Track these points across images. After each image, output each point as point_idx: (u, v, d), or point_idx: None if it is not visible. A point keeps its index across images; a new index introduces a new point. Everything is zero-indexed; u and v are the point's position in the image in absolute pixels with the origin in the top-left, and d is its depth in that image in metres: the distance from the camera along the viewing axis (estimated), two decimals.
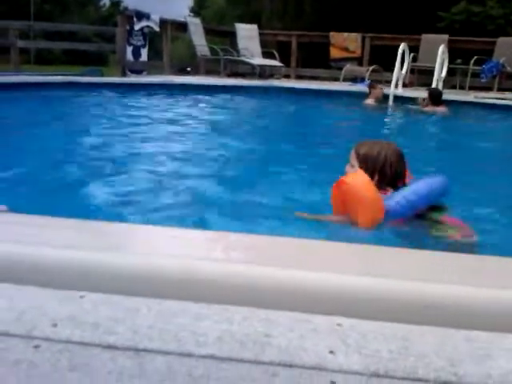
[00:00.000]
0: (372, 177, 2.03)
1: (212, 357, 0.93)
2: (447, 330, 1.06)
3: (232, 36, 11.67)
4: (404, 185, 2.07)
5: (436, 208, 2.04)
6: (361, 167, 2.06)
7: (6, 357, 0.91)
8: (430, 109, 7.17)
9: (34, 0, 16.56)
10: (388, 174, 2.06)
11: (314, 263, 1.22)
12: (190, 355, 0.93)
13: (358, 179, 1.96)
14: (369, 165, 2.06)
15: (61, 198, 2.53)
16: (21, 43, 9.62)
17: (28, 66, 12.51)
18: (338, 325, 1.05)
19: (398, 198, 1.96)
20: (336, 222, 2.06)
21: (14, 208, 1.57)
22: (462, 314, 1.09)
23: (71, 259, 1.20)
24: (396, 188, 2.05)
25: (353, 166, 2.11)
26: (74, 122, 5.62)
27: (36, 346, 0.94)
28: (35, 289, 1.14)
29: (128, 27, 9.91)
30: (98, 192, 2.73)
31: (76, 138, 4.35)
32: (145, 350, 0.94)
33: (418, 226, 2.00)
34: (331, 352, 0.96)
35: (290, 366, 0.92)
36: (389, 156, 2.06)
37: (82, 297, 1.12)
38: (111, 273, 1.17)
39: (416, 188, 2.00)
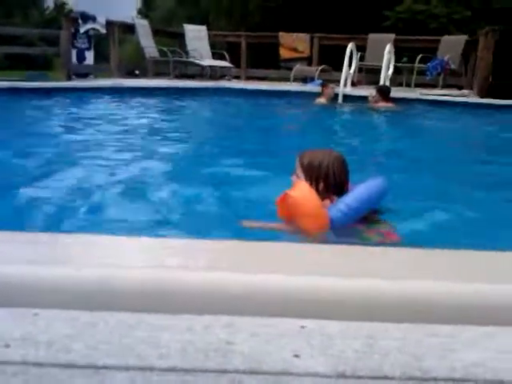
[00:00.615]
0: (317, 185, 2.09)
1: (174, 369, 0.90)
2: (410, 325, 1.07)
3: (181, 37, 11.56)
4: (347, 192, 2.12)
5: (373, 216, 2.11)
6: (305, 176, 2.11)
7: None
8: (379, 104, 7.33)
9: None
10: (332, 182, 2.10)
11: (274, 265, 1.21)
12: (151, 369, 0.90)
13: (299, 191, 2.00)
14: (313, 174, 2.10)
15: (9, 210, 2.43)
16: None
17: None
18: (302, 327, 1.05)
19: (340, 206, 2.01)
20: (283, 230, 2.08)
21: None
22: (423, 308, 1.10)
23: (23, 275, 1.14)
24: (341, 195, 2.09)
25: (298, 176, 2.15)
26: (19, 128, 5.42)
27: None
28: None
29: (73, 30, 9.68)
30: (47, 202, 2.65)
31: (22, 145, 4.19)
32: (105, 367, 0.91)
33: (353, 234, 2.04)
34: (296, 356, 0.95)
35: (256, 372, 0.90)
36: (331, 164, 2.10)
37: (35, 314, 1.07)
38: (64, 287, 1.12)
39: (357, 194, 2.05)
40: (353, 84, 9.22)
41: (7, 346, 0.96)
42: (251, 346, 0.98)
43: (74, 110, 7.16)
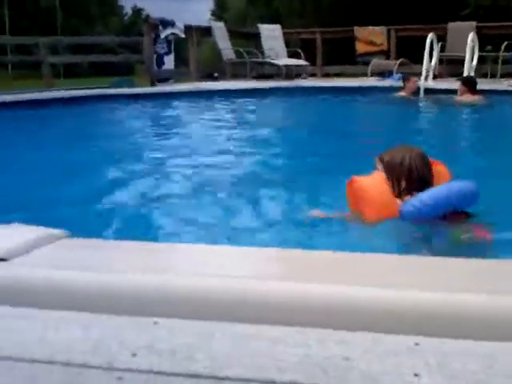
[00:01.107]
0: (399, 184, 2.07)
1: (295, 383, 0.92)
2: None
3: (255, 37, 11.65)
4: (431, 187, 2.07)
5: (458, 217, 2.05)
6: (387, 176, 2.09)
7: None
8: (466, 98, 6.97)
9: (61, 14, 16.87)
10: (415, 180, 2.07)
11: (387, 280, 1.20)
12: (273, 382, 0.93)
13: (368, 178, 2.05)
14: (394, 173, 2.08)
15: (109, 217, 2.55)
16: (51, 59, 9.79)
17: (58, 80, 12.72)
18: (416, 344, 1.03)
19: (413, 201, 1.99)
20: (348, 219, 2.12)
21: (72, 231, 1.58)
22: None
23: (144, 284, 1.20)
24: (423, 191, 2.04)
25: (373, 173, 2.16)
26: (108, 134, 5.68)
27: (119, 378, 0.95)
28: (107, 316, 1.15)
29: (153, 35, 10.00)
30: (138, 209, 2.75)
31: (112, 151, 4.39)
32: (227, 379, 0.94)
33: (435, 229, 2.02)
34: (416, 375, 0.94)
35: None
36: (413, 161, 2.08)
37: (155, 323, 1.13)
38: (183, 297, 1.17)
39: (434, 192, 2.01)
40: (434, 77, 8.92)
41: (134, 354, 1.01)
42: (368, 361, 0.98)
43: (159, 114, 7.43)
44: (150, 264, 1.33)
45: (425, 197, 1.98)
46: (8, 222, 1.53)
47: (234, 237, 2.12)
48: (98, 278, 1.20)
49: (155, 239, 2.10)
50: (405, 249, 1.96)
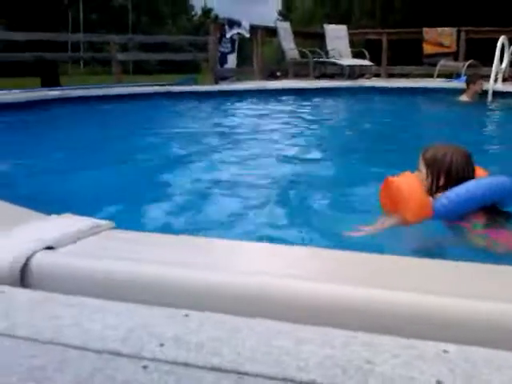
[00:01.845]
0: (438, 180, 2.06)
1: (314, 383, 0.92)
2: None
3: (320, 37, 11.61)
4: None
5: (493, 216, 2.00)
6: (427, 171, 2.08)
7: (115, 376, 0.95)
8: None
9: (132, 12, 17.50)
10: (454, 178, 2.04)
11: (419, 285, 1.18)
12: (292, 380, 0.93)
13: (402, 177, 2.03)
14: (435, 167, 2.07)
15: (161, 211, 2.62)
16: (121, 56, 10.14)
17: (128, 76, 13.18)
18: (445, 351, 1.01)
19: (441, 198, 1.97)
20: (387, 227, 2.05)
21: (117, 224, 1.64)
22: None
23: (177, 277, 1.24)
24: None
25: (420, 171, 2.12)
26: (168, 130, 5.84)
27: (144, 367, 0.98)
28: (141, 307, 1.19)
29: (219, 35, 10.16)
30: (200, 206, 2.81)
31: (170, 147, 4.51)
32: (247, 374, 0.96)
33: (456, 232, 2.00)
34: (438, 382, 0.92)
35: None
36: (455, 159, 2.06)
37: (186, 315, 1.16)
38: (215, 291, 1.20)
39: (463, 188, 1.97)
40: (505, 80, 8.56)
41: (161, 345, 1.05)
42: (392, 366, 0.96)
43: (220, 112, 7.55)
44: (188, 258, 1.37)
45: (451, 193, 1.96)
46: (61, 212, 1.61)
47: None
48: (135, 269, 1.25)
49: (202, 234, 2.15)
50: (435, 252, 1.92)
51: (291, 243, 1.98)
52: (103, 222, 1.52)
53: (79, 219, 1.54)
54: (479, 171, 2.13)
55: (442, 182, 2.06)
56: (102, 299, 1.24)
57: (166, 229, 2.21)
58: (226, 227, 2.35)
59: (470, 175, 2.07)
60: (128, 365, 1.00)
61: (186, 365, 0.99)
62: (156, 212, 2.65)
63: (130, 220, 2.36)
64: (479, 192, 1.97)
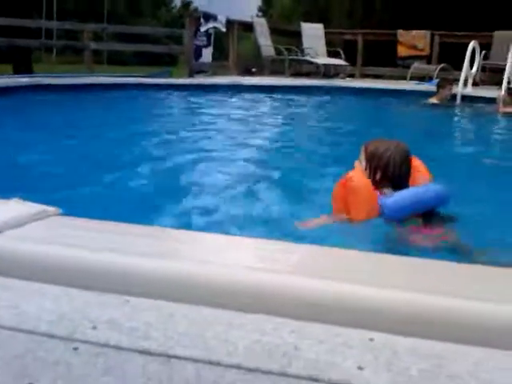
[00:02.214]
0: (375, 174, 2.14)
1: (239, 366, 0.95)
2: (487, 349, 1.03)
3: (297, 35, 11.65)
4: (407, 187, 2.13)
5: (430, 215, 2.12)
6: (366, 163, 2.16)
7: (46, 357, 0.96)
8: (507, 109, 6.74)
9: (108, 1, 17.29)
10: (390, 174, 2.12)
11: (351, 275, 1.21)
12: (218, 364, 0.96)
13: (355, 175, 2.10)
14: (373, 162, 2.14)
15: (124, 200, 2.62)
16: (94, 45, 10.02)
17: (101, 66, 13.06)
18: (370, 339, 1.04)
19: (388, 200, 2.05)
20: (334, 222, 2.14)
21: (72, 212, 1.64)
22: (502, 333, 1.05)
23: (119, 263, 1.25)
24: (398, 188, 2.11)
25: (360, 162, 2.21)
26: (141, 120, 5.81)
27: (75, 348, 1.00)
28: (80, 291, 1.20)
29: (195, 28, 10.12)
30: (160, 196, 2.81)
31: (140, 140, 4.49)
32: (176, 357, 0.98)
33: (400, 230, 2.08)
34: (360, 368, 0.95)
35: (316, 380, 0.92)
36: (393, 156, 2.13)
37: (126, 301, 1.17)
38: (155, 278, 1.21)
39: (408, 193, 2.08)
40: (475, 84, 8.73)
41: (94, 327, 1.06)
42: (317, 352, 0.99)
43: (193, 105, 7.52)
44: (130, 245, 1.38)
45: (399, 196, 2.06)
46: (8, 197, 1.61)
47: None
48: (76, 254, 1.25)
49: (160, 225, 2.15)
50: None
51: (242, 233, 2.01)
52: (50, 208, 1.52)
53: (27, 204, 1.54)
54: (420, 166, 2.22)
55: (378, 176, 2.14)
56: (43, 283, 1.24)
57: (126, 219, 2.20)
58: (182, 217, 2.36)
59: (405, 174, 2.16)
60: (59, 346, 1.01)
61: (117, 347, 1.01)
62: (114, 201, 2.64)
63: (86, 207, 2.34)
64: (426, 199, 2.08)
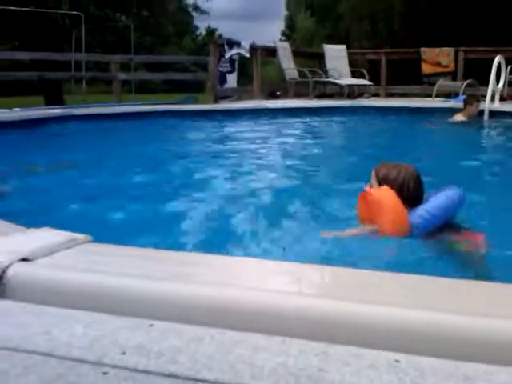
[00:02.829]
0: None
1: None
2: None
3: (320, 57, 11.74)
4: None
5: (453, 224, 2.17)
6: (379, 187, 2.20)
7: (77, 382, 0.99)
8: None
9: (135, 33, 17.82)
10: (405, 196, 2.15)
11: (377, 297, 1.21)
12: None
13: (381, 190, 2.14)
14: (388, 185, 2.17)
15: (150, 226, 2.67)
16: (122, 75, 10.27)
17: (130, 95, 13.36)
18: (396, 361, 1.04)
19: (420, 212, 2.08)
20: (362, 235, 2.15)
21: (99, 238, 1.69)
22: None
23: (143, 288, 1.28)
24: (415, 208, 2.14)
25: (372, 187, 2.25)
26: (169, 146, 5.90)
27: (105, 373, 1.02)
28: (108, 316, 1.23)
29: (219, 55, 10.29)
30: (190, 220, 2.84)
31: (167, 166, 4.56)
32: (203, 381, 0.99)
33: (438, 241, 2.10)
34: None
35: None
36: (406, 179, 2.18)
37: (151, 325, 1.20)
38: (179, 302, 1.23)
39: (437, 202, 2.12)
40: (503, 99, 8.63)
41: (123, 353, 1.08)
42: (342, 374, 1.00)
43: (218, 130, 7.62)
44: (156, 270, 1.41)
45: (430, 207, 2.10)
46: (39, 225, 1.66)
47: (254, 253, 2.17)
48: (104, 281, 1.29)
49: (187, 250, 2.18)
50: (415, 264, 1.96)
51: (270, 253, 2.03)
52: (80, 236, 1.57)
53: (57, 233, 1.59)
54: None
55: None
56: (73, 309, 1.28)
57: (159, 245, 2.24)
58: (210, 241, 2.39)
59: (419, 193, 2.20)
60: (89, 371, 1.04)
61: (145, 372, 1.03)
62: (147, 228, 2.69)
63: (117, 234, 2.39)
64: (452, 204, 2.14)
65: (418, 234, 2.07)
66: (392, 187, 2.15)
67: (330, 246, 2.04)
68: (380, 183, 2.20)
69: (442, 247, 2.09)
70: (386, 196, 2.10)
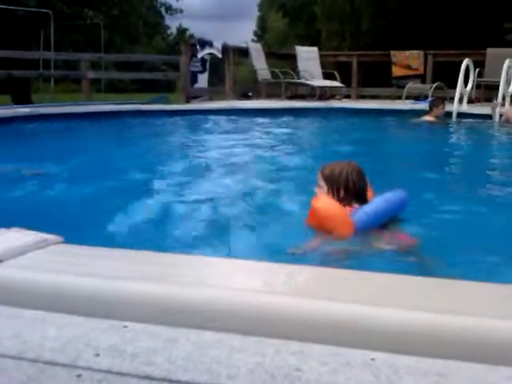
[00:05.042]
0: (338, 193, 2.34)
1: None
2: (487, 366, 1.03)
3: (292, 58, 11.80)
4: (366, 199, 2.35)
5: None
6: (327, 187, 2.36)
7: None
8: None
9: (105, 32, 17.63)
10: (352, 190, 2.34)
11: (352, 296, 1.22)
12: None
13: (323, 203, 2.27)
14: (334, 184, 2.35)
15: (121, 224, 2.63)
16: (91, 74, 10.13)
17: (99, 94, 13.20)
18: (372, 359, 1.05)
19: (360, 214, 2.23)
20: (323, 244, 2.25)
21: (69, 239, 1.65)
22: (504, 349, 1.05)
23: (117, 289, 1.26)
24: (361, 202, 2.33)
25: (320, 187, 2.39)
26: (140, 146, 5.84)
27: (78, 376, 1.00)
28: (81, 318, 1.20)
29: (191, 55, 10.25)
30: (159, 220, 2.82)
31: (134, 165, 4.50)
32: (179, 382, 0.98)
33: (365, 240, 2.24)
34: None
35: None
36: (350, 174, 2.35)
37: (125, 327, 1.18)
38: (154, 303, 1.22)
39: (376, 204, 2.29)
40: (470, 101, 8.82)
41: (97, 354, 1.06)
42: (319, 373, 1.00)
43: (189, 130, 7.58)
44: (129, 271, 1.39)
45: (368, 209, 2.26)
46: (8, 226, 1.62)
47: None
48: (75, 282, 1.26)
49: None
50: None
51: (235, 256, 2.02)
52: (51, 237, 1.54)
53: (27, 233, 1.55)
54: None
55: (341, 194, 2.33)
56: (45, 311, 1.25)
57: (128, 245, 2.21)
58: (176, 243, 2.38)
59: (364, 187, 2.38)
60: (62, 374, 1.01)
61: (120, 373, 1.01)
62: (116, 228, 2.65)
63: (88, 235, 2.35)
64: (392, 207, 2.33)
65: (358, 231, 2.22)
66: (338, 183, 2.32)
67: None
68: (326, 182, 2.36)
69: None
70: (328, 206, 2.25)
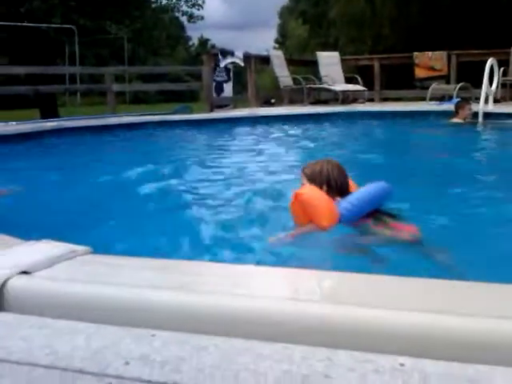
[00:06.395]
0: (321, 189, 2.41)
1: None
2: None
3: (314, 64, 11.80)
4: (349, 193, 2.44)
5: (386, 214, 2.41)
6: (310, 184, 2.45)
7: None
8: None
9: (129, 44, 17.94)
10: (333, 185, 2.45)
11: (380, 300, 1.21)
12: None
13: (308, 189, 2.38)
14: (316, 181, 2.45)
15: (154, 235, 2.66)
16: (116, 87, 10.28)
17: (124, 106, 13.39)
18: (401, 365, 1.03)
19: (344, 205, 2.33)
20: (304, 233, 2.33)
21: (97, 249, 1.68)
22: None
23: (144, 298, 1.27)
24: (344, 195, 2.41)
25: (304, 186, 2.48)
26: (165, 157, 5.90)
27: None
28: (110, 328, 1.22)
29: (213, 65, 10.34)
30: (187, 229, 2.84)
31: (161, 175, 4.55)
32: None
33: (366, 228, 2.34)
34: None
35: None
36: (330, 169, 2.47)
37: (153, 335, 1.19)
38: (181, 311, 1.23)
39: (359, 194, 2.39)
40: (496, 101, 8.68)
41: (127, 363, 1.08)
42: (348, 380, 0.99)
43: (214, 139, 7.63)
44: (160, 280, 1.40)
45: (352, 199, 2.35)
46: (40, 238, 1.65)
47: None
48: (105, 292, 1.28)
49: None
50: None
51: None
52: (79, 248, 1.56)
53: (56, 245, 1.58)
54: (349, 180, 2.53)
55: (324, 190, 2.41)
56: (74, 321, 1.27)
57: (155, 254, 2.23)
58: (207, 252, 2.39)
59: (344, 182, 2.48)
60: (93, 382, 1.03)
61: (149, 382, 1.02)
62: (143, 238, 2.68)
63: (119, 245, 2.38)
64: (374, 196, 2.40)
65: (344, 222, 2.30)
66: (320, 179, 2.43)
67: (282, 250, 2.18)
68: (309, 180, 2.46)
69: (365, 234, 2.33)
70: (312, 193, 2.33)
